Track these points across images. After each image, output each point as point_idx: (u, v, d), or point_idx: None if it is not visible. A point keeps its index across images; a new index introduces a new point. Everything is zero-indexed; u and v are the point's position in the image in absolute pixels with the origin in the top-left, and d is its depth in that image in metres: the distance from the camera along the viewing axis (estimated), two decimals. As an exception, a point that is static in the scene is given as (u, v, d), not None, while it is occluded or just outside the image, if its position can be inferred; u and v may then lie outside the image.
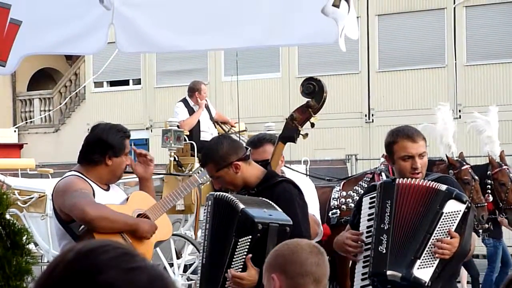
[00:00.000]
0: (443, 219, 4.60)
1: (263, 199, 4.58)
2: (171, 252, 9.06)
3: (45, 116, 27.27)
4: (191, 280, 9.24)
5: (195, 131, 10.59)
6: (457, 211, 4.61)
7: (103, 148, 5.09)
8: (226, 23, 5.15)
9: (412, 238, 4.65)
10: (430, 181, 4.72)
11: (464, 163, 9.25)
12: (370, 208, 4.81)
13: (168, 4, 5.28)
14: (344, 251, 4.89)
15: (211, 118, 11.02)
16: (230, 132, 10.99)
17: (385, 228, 4.69)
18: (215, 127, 10.98)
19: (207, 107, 11.03)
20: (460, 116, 18.98)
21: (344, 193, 8.60)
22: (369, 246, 4.74)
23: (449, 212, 4.61)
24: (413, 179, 4.72)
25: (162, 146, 9.77)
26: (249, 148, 5.04)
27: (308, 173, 9.50)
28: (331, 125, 20.21)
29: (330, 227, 8.06)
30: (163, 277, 1.69)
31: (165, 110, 21.26)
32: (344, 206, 8.49)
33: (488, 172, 9.76)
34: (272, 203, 4.51)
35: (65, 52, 6.41)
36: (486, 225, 9.47)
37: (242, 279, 4.29)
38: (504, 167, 9.87)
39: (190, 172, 9.31)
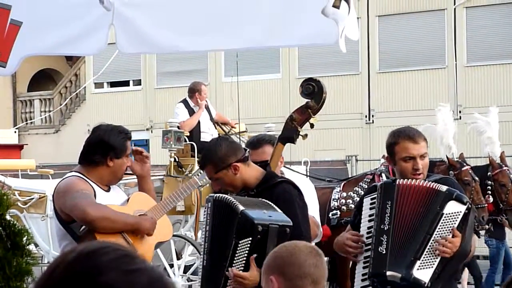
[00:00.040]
0: (443, 220, 4.61)
1: (263, 200, 4.58)
2: (171, 253, 9.07)
3: (45, 117, 27.28)
4: (192, 281, 9.24)
5: (195, 132, 10.59)
6: (458, 212, 4.61)
7: (105, 149, 5.09)
8: (226, 24, 5.15)
9: (412, 238, 4.65)
10: (430, 182, 4.72)
11: (465, 164, 9.25)
12: (370, 209, 4.81)
13: (168, 4, 5.29)
14: (344, 251, 4.89)
15: (211, 119, 11.02)
16: (230, 133, 10.99)
17: (385, 228, 4.69)
18: (215, 128, 10.98)
19: (207, 108, 11.03)
20: (460, 117, 18.98)
21: (344, 194, 8.60)
22: (370, 246, 4.75)
23: (449, 213, 4.61)
24: (414, 180, 4.72)
25: (162, 147, 9.77)
26: (248, 149, 5.04)
27: (308, 174, 9.50)
28: (331, 126, 20.22)
29: (330, 228, 8.06)
30: (163, 279, 1.69)
31: (165, 111, 21.27)
32: (344, 207, 8.49)
33: (489, 173, 9.76)
34: (272, 204, 4.51)
35: (66, 53, 6.41)
36: (487, 226, 9.47)
37: (245, 279, 4.29)
38: (505, 168, 9.87)
39: (190, 174, 9.30)
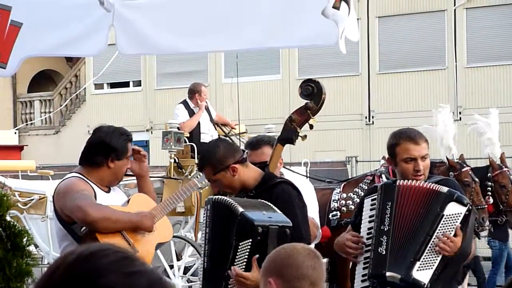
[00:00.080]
0: (443, 221, 4.61)
1: (262, 201, 4.57)
2: (171, 254, 9.06)
3: (45, 118, 27.27)
4: (191, 282, 9.24)
5: (195, 133, 10.59)
6: (458, 214, 4.61)
7: (106, 150, 5.10)
8: (226, 25, 5.16)
9: (412, 239, 4.65)
10: (431, 183, 4.73)
11: (465, 165, 9.25)
12: (371, 209, 4.82)
13: (168, 6, 5.29)
14: (345, 252, 4.89)
15: (211, 120, 11.02)
16: (230, 134, 10.99)
17: (385, 229, 4.70)
18: (215, 129, 10.98)
19: (207, 109, 11.03)
20: (460, 118, 18.98)
21: (344, 195, 8.60)
22: (370, 247, 4.75)
23: (449, 214, 4.61)
24: (414, 181, 4.73)
25: (162, 148, 9.77)
26: (246, 151, 5.03)
27: (308, 175, 9.50)
28: (331, 127, 20.21)
29: (330, 229, 8.06)
30: (162, 281, 1.69)
31: (165, 112, 21.26)
32: (344, 208, 8.49)
33: (489, 174, 9.76)
34: (271, 205, 4.51)
35: (66, 54, 6.42)
36: (487, 227, 9.47)
37: (246, 279, 4.28)
38: (505, 169, 9.87)
39: (190, 176, 9.30)
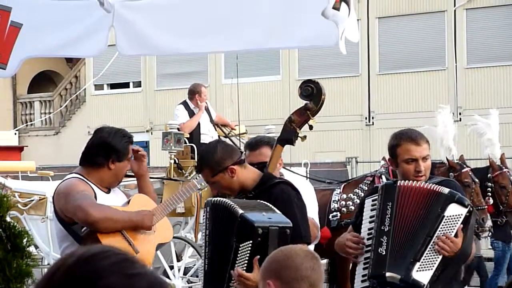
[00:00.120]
0: (444, 222, 4.60)
1: (261, 202, 4.57)
2: (171, 255, 9.06)
3: (45, 119, 27.27)
4: (192, 282, 9.24)
5: (195, 134, 10.59)
6: (459, 215, 4.61)
7: (108, 151, 5.10)
8: (226, 26, 5.16)
9: (412, 240, 4.65)
10: (432, 184, 4.72)
11: (465, 166, 9.24)
12: (372, 210, 4.82)
13: (168, 7, 5.29)
14: (345, 252, 4.90)
15: (211, 120, 11.02)
16: (230, 134, 10.99)
17: (386, 230, 4.69)
18: (215, 130, 10.98)
19: (207, 110, 11.03)
20: (460, 118, 18.98)
21: (344, 196, 8.60)
22: (370, 247, 4.75)
23: (450, 216, 4.61)
24: (415, 182, 4.72)
25: (162, 149, 9.77)
26: (243, 152, 5.03)
27: (308, 176, 9.50)
28: (331, 128, 20.22)
29: (331, 230, 8.06)
30: (162, 284, 1.70)
31: (165, 113, 21.26)
32: (344, 209, 8.49)
33: (489, 175, 9.75)
34: (271, 206, 4.50)
35: (66, 55, 6.42)
36: (487, 228, 9.46)
37: (248, 280, 4.28)
38: (505, 170, 9.86)
39: (189, 177, 9.30)
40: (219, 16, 5.16)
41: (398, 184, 4.74)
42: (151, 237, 5.24)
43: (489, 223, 9.23)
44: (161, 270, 9.04)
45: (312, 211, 5.74)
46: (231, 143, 10.45)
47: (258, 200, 4.60)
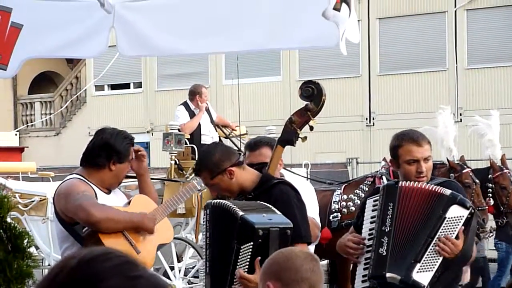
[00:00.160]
0: (445, 223, 4.60)
1: (261, 203, 4.56)
2: (172, 256, 9.06)
3: (46, 120, 27.28)
4: (192, 283, 9.24)
5: (196, 135, 10.59)
6: (460, 217, 4.60)
7: (109, 153, 5.11)
8: (226, 27, 5.16)
9: (413, 241, 4.65)
10: (433, 185, 4.72)
11: (465, 167, 9.23)
12: (373, 210, 4.82)
13: (169, 7, 5.29)
14: (346, 253, 4.90)
15: (212, 121, 11.02)
16: (231, 135, 10.99)
17: (386, 230, 4.69)
18: (216, 131, 10.98)
19: (207, 110, 11.03)
20: (461, 119, 18.98)
21: (345, 197, 8.59)
22: (371, 248, 4.75)
23: (452, 217, 4.61)
24: (417, 183, 4.72)
25: (163, 150, 9.77)
26: (242, 153, 5.02)
27: (308, 177, 9.50)
28: (332, 129, 20.22)
29: (331, 231, 8.05)
30: (164, 286, 1.70)
31: (166, 114, 21.27)
32: (345, 210, 8.48)
33: (489, 176, 9.74)
34: (271, 207, 4.50)
35: (66, 56, 6.42)
36: (488, 228, 9.46)
37: (250, 281, 4.28)
38: (506, 170, 9.86)
39: (189, 178, 9.29)
40: (219, 16, 5.16)
41: (400, 184, 4.74)
42: (152, 238, 5.25)
43: (490, 224, 9.22)
44: (161, 271, 9.04)
45: (313, 211, 5.74)
46: (230, 144, 10.47)
47: (258, 201, 4.60)
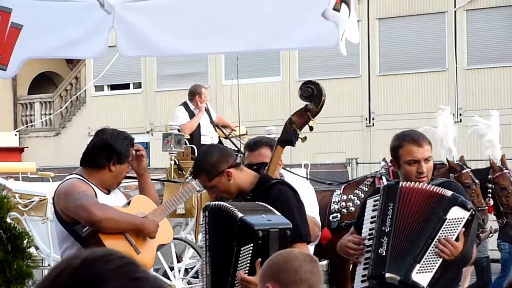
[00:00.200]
0: (446, 225, 4.59)
1: (260, 203, 4.56)
2: (171, 256, 9.06)
3: (45, 120, 27.29)
4: (192, 284, 9.24)
5: (195, 135, 10.59)
6: (461, 218, 4.60)
7: (109, 153, 5.11)
8: (226, 27, 5.16)
9: (413, 242, 4.64)
10: (434, 186, 4.71)
11: (465, 167, 9.23)
12: (373, 210, 4.81)
13: (169, 8, 5.29)
14: (347, 253, 4.90)
15: (212, 121, 11.02)
16: (230, 135, 10.99)
17: (386, 230, 4.69)
18: (216, 131, 10.98)
19: (207, 111, 11.03)
20: (461, 120, 18.98)
21: (344, 197, 8.60)
22: (370, 248, 4.75)
23: (452, 219, 4.60)
24: (417, 183, 4.72)
25: (162, 150, 9.77)
26: (239, 155, 5.02)
27: (308, 177, 9.49)
28: (331, 129, 20.23)
29: (331, 231, 8.05)
30: None
31: (165, 114, 21.27)
32: (344, 210, 8.48)
33: (489, 176, 9.74)
34: (270, 207, 4.49)
35: (66, 56, 6.42)
36: (487, 229, 9.46)
37: (251, 283, 4.27)
38: (505, 171, 9.86)
39: (189, 179, 9.29)
40: (219, 17, 5.16)
41: (400, 185, 4.74)
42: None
43: (490, 224, 9.22)
44: (161, 271, 9.04)
45: (313, 211, 5.74)
46: (230, 144, 10.48)
47: (257, 202, 4.59)
